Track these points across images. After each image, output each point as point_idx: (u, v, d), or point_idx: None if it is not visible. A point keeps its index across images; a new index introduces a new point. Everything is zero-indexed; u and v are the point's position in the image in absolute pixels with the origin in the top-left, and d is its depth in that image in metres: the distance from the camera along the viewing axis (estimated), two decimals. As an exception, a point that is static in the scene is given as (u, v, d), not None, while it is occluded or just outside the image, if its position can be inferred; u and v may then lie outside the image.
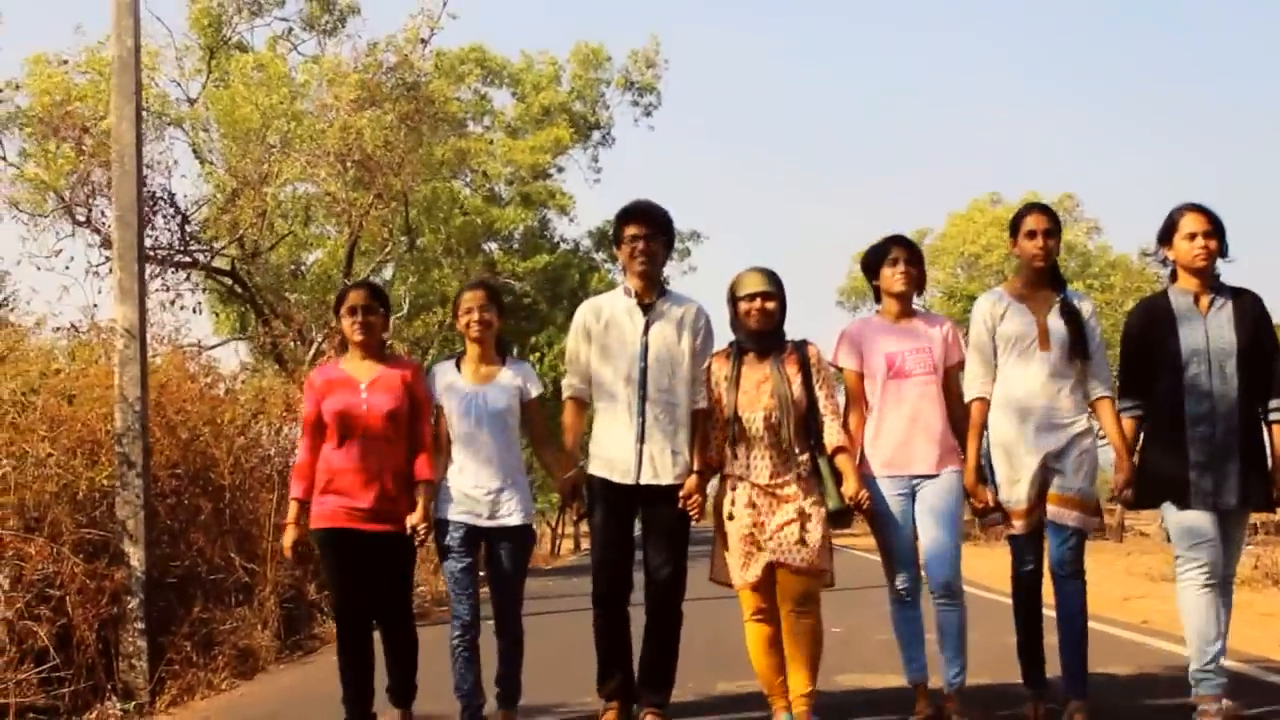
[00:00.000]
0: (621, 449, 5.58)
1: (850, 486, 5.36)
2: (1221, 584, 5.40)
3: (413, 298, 20.48)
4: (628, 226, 5.71)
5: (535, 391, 5.91)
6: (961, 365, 5.72)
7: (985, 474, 5.59)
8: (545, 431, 6.11)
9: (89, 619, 7.15)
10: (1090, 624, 5.63)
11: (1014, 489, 5.49)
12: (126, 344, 7.74)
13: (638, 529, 5.70)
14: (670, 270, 30.39)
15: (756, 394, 5.41)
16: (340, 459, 5.57)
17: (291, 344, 16.84)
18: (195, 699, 7.54)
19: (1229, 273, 5.63)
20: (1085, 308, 5.64)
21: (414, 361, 6.14)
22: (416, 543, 5.62)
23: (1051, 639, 5.60)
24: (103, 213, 15.76)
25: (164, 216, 16.62)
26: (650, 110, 30.60)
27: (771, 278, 5.54)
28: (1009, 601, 5.78)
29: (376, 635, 5.73)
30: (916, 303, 5.91)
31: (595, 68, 29.86)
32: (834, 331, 5.89)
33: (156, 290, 15.21)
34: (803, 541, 5.26)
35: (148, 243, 11.91)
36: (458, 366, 5.87)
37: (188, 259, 17.59)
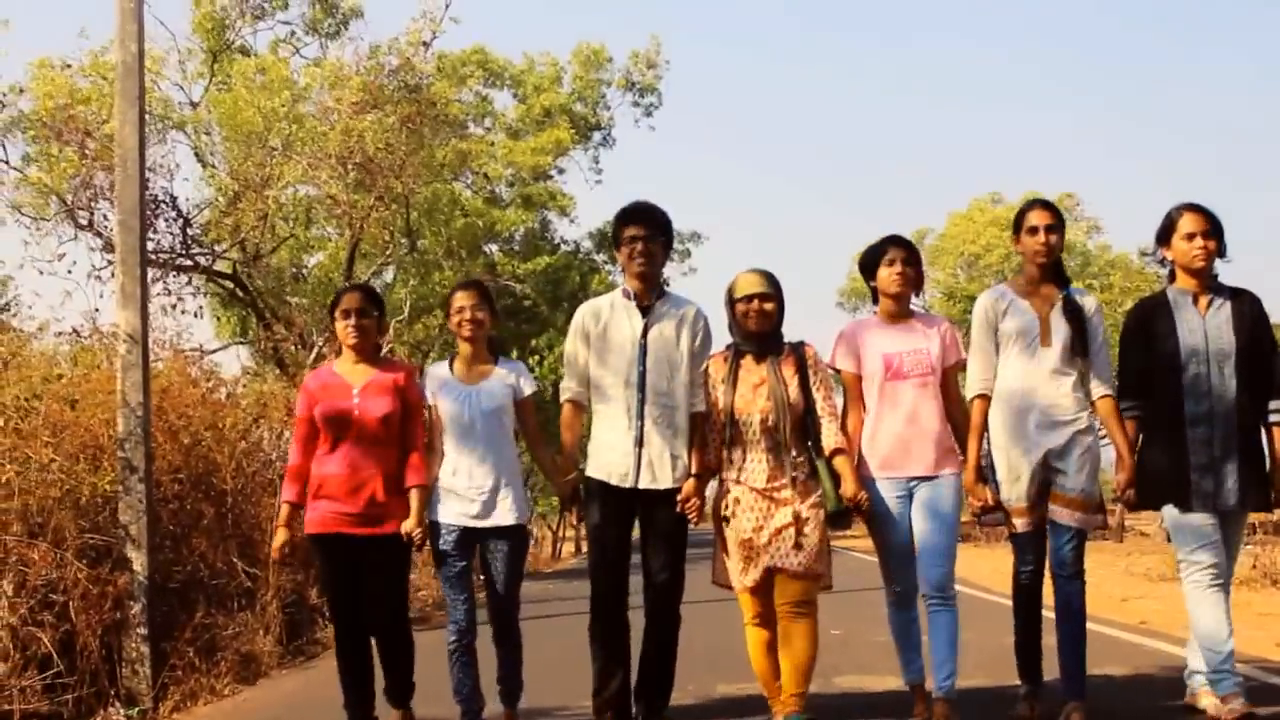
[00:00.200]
0: (620, 452, 5.57)
1: (848, 488, 5.36)
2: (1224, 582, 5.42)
3: (414, 300, 20.47)
4: (627, 228, 5.71)
5: (529, 390, 5.92)
6: (960, 366, 5.72)
7: (986, 473, 5.59)
8: (540, 431, 6.12)
9: (92, 625, 7.17)
10: (1088, 625, 5.64)
11: (1014, 487, 5.49)
12: (129, 349, 7.77)
13: (635, 532, 5.69)
14: (670, 271, 30.39)
15: (753, 396, 5.42)
16: (332, 463, 5.57)
17: (293, 348, 16.84)
18: (198, 705, 7.55)
19: (1227, 273, 5.65)
20: (1088, 304, 5.63)
21: (407, 364, 6.14)
22: (413, 547, 5.63)
23: (1049, 640, 5.60)
24: (105, 216, 15.79)
25: (166, 220, 16.65)
26: (651, 111, 30.59)
27: (769, 279, 5.56)
28: (1007, 602, 5.80)
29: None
30: (915, 303, 5.90)
31: (596, 68, 29.85)
32: (834, 333, 5.90)
33: (158, 294, 15.23)
34: (799, 546, 5.27)
35: (149, 246, 11.92)
36: (450, 367, 5.88)
37: (189, 262, 17.61)
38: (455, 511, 5.68)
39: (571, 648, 5.61)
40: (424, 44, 19.40)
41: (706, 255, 46.85)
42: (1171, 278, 5.60)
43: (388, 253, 20.74)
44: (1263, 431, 5.44)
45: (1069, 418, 5.47)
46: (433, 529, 5.70)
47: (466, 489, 5.67)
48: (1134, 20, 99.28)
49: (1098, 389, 5.54)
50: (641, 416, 5.56)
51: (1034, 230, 5.58)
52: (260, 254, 19.14)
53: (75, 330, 11.45)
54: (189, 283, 17.35)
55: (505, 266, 26.42)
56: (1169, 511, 5.40)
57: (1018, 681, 5.75)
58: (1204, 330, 5.36)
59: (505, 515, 5.70)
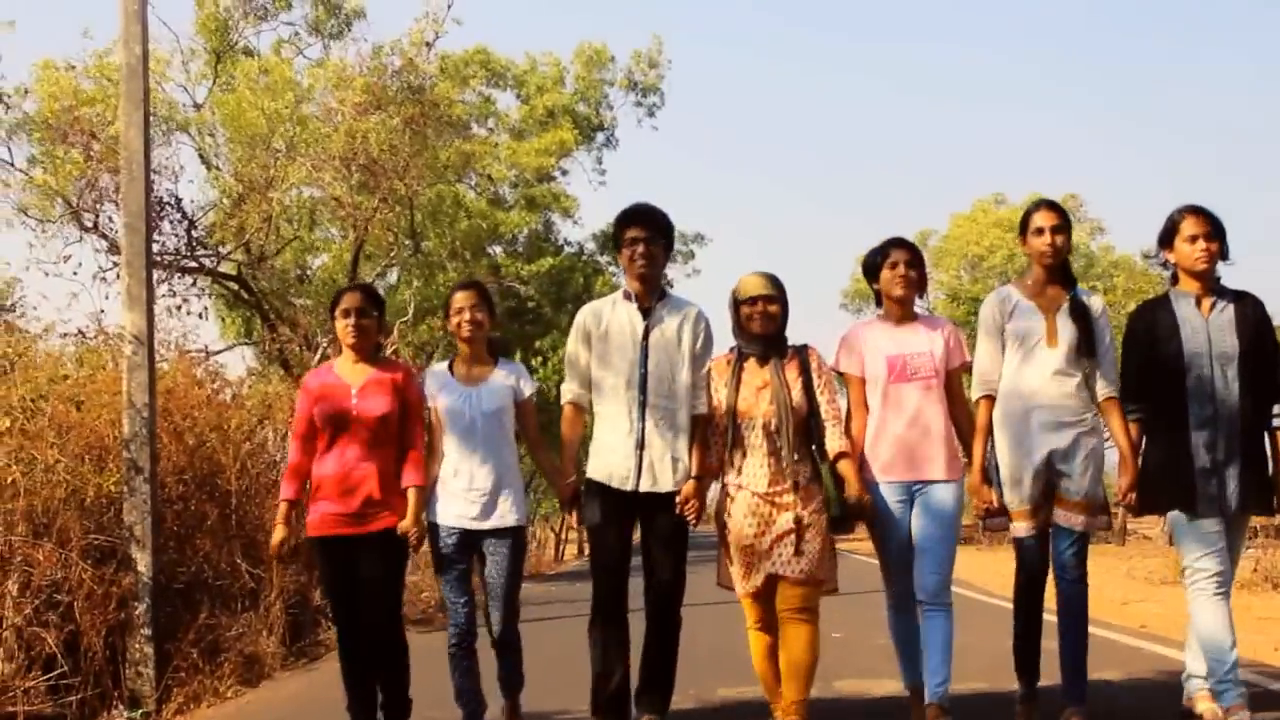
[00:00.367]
0: (621, 455, 5.56)
1: (852, 492, 5.34)
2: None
3: (418, 302, 20.48)
4: (627, 229, 5.71)
5: (529, 391, 5.93)
6: (964, 368, 5.70)
7: (991, 475, 5.57)
8: (541, 433, 6.12)
9: (96, 625, 7.21)
10: (1089, 628, 5.63)
11: (1018, 489, 5.47)
12: (135, 351, 7.81)
13: (636, 534, 5.70)
14: (674, 272, 30.42)
15: (756, 399, 5.40)
16: (329, 463, 5.57)
17: (297, 349, 16.87)
18: (201, 706, 7.59)
19: (1230, 276, 5.64)
20: (1095, 305, 5.61)
21: (405, 365, 6.14)
22: (410, 548, 5.64)
23: (1049, 643, 5.59)
24: (110, 218, 15.83)
25: (171, 222, 16.68)
26: (654, 111, 30.61)
27: (774, 282, 5.54)
28: (1007, 605, 5.79)
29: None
30: (918, 305, 5.88)
31: (598, 68, 29.86)
32: (837, 335, 5.87)
33: (163, 296, 15.27)
34: (800, 553, 5.25)
35: (154, 248, 11.97)
36: (451, 368, 5.89)
37: (194, 264, 17.64)
38: (455, 513, 5.68)
39: (572, 650, 5.62)
40: (427, 44, 19.42)
41: (710, 257, 46.77)
42: (1174, 280, 5.59)
43: (392, 254, 20.77)
44: (1265, 435, 5.42)
45: (1074, 419, 5.45)
46: (432, 531, 5.71)
47: (466, 490, 5.67)
48: (1137, 20, 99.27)
49: (1103, 390, 5.52)
50: (643, 419, 5.55)
51: (1040, 231, 5.57)
52: (265, 256, 19.17)
53: (81, 332, 11.50)
54: (194, 284, 17.40)
55: (509, 268, 26.44)
56: (1175, 517, 5.38)
57: (1016, 685, 5.75)
58: (1207, 333, 5.34)
59: (505, 517, 5.71)
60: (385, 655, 5.64)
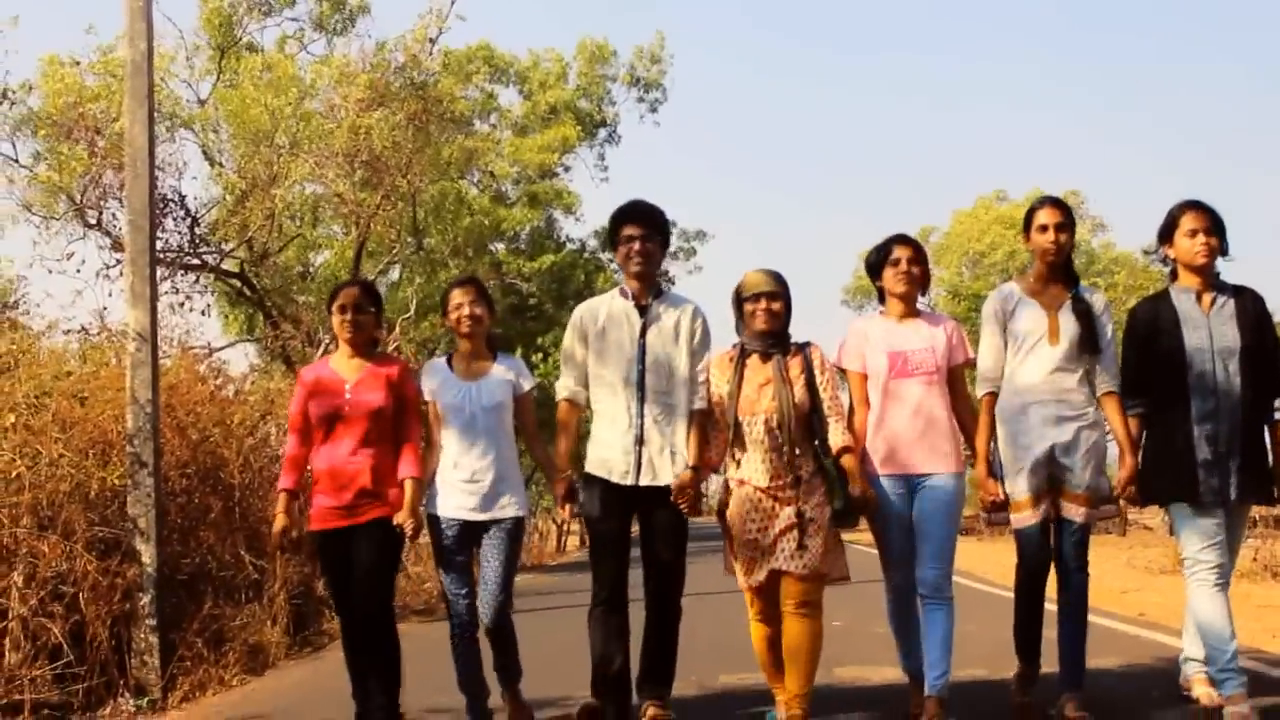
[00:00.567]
0: (620, 451, 5.58)
1: (855, 487, 5.36)
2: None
3: (420, 298, 20.54)
4: (624, 227, 5.73)
5: (527, 386, 5.95)
6: (967, 365, 5.71)
7: (995, 470, 5.58)
8: (536, 427, 6.14)
9: (102, 616, 7.26)
10: (1088, 616, 5.65)
11: (1019, 479, 5.47)
12: (138, 347, 7.85)
13: (635, 527, 5.71)
14: (676, 269, 30.53)
15: (758, 396, 5.41)
16: (325, 458, 5.61)
17: (300, 346, 16.94)
18: (207, 695, 7.64)
19: (1231, 272, 5.66)
20: (1097, 302, 5.62)
21: (401, 359, 6.17)
22: (406, 538, 5.66)
23: (1049, 632, 5.63)
24: (114, 215, 15.91)
25: (174, 219, 16.74)
26: (656, 106, 30.68)
27: (778, 278, 5.55)
28: (1008, 595, 5.82)
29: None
30: (921, 302, 5.88)
31: (601, 63, 29.92)
32: (840, 331, 5.86)
33: (166, 293, 15.34)
34: (803, 547, 5.26)
35: (158, 245, 12.04)
36: (450, 363, 5.91)
37: (197, 261, 17.71)
38: (455, 505, 5.71)
39: (574, 639, 5.67)
40: (430, 41, 19.49)
41: (712, 253, 46.72)
42: (1174, 276, 5.61)
43: (394, 251, 20.81)
44: (1265, 428, 5.44)
45: (1076, 413, 5.47)
46: (433, 523, 5.74)
47: (466, 483, 5.70)
48: (1141, 18, 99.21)
49: (1103, 384, 5.54)
50: (641, 414, 5.57)
51: (1044, 228, 5.57)
52: (267, 252, 19.23)
53: (84, 328, 11.57)
54: (196, 281, 17.47)
55: (511, 265, 26.50)
56: (1176, 509, 5.40)
57: (1015, 673, 5.77)
58: (1208, 327, 5.37)
59: (505, 509, 5.73)
60: (376, 644, 5.64)
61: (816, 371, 5.49)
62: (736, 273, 5.65)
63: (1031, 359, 5.54)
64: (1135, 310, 5.75)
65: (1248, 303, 5.46)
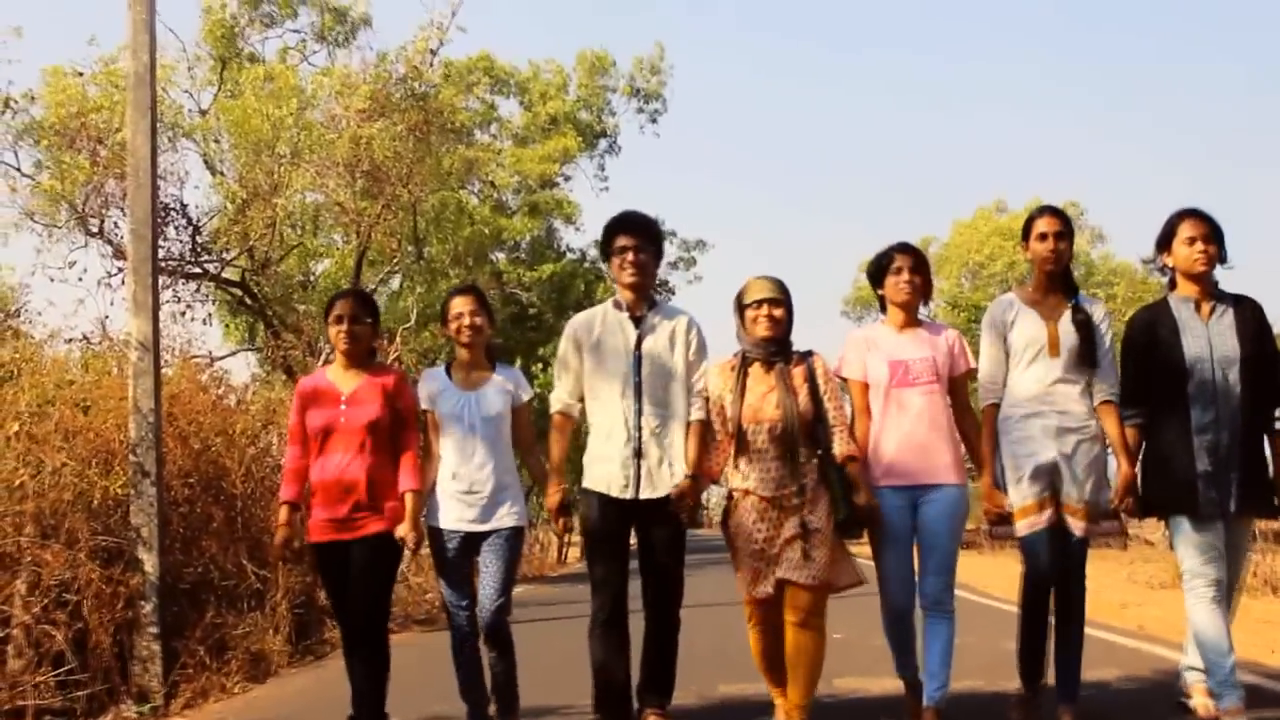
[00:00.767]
0: (618, 464, 5.56)
1: (861, 497, 5.34)
2: (1233, 592, 5.45)
3: (421, 308, 20.57)
4: (617, 237, 5.72)
5: (525, 397, 5.93)
6: (969, 374, 5.70)
7: (999, 481, 5.56)
8: (533, 438, 6.12)
9: (104, 623, 7.28)
10: (1086, 629, 5.66)
11: (1022, 485, 5.45)
12: (140, 356, 7.88)
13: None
14: (676, 279, 30.59)
15: (761, 404, 5.39)
16: (321, 471, 5.60)
17: (300, 355, 16.96)
18: (209, 702, 7.66)
19: (1233, 278, 5.64)
20: (1097, 312, 5.62)
21: (397, 370, 6.16)
22: (408, 551, 5.67)
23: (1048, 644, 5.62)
24: (115, 224, 15.96)
25: (176, 227, 16.78)
26: (656, 117, 30.78)
27: (779, 285, 5.53)
28: (1008, 608, 5.82)
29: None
30: (922, 312, 5.86)
31: (601, 74, 30.01)
32: (839, 342, 5.84)
33: (167, 301, 15.37)
34: (809, 558, 5.26)
35: (159, 254, 12.09)
36: (448, 373, 5.91)
37: (198, 270, 17.74)
38: (455, 517, 5.70)
39: (575, 649, 5.68)
40: (431, 52, 19.55)
41: (712, 263, 46.68)
42: (1172, 285, 5.60)
43: (395, 260, 20.86)
44: (1266, 438, 5.43)
45: (1077, 425, 5.47)
46: (434, 535, 5.73)
47: (466, 494, 5.69)
48: (1143, 26, 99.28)
49: (1100, 393, 5.52)
50: (639, 427, 5.55)
51: (1043, 237, 5.57)
52: (268, 261, 19.25)
53: (86, 337, 11.61)
54: (198, 290, 17.51)
55: (511, 274, 26.54)
56: (1176, 522, 5.39)
57: (1014, 686, 5.74)
58: (1208, 337, 5.36)
59: (504, 519, 5.72)
60: (365, 653, 5.63)
61: (820, 380, 5.48)
62: (737, 283, 5.66)
63: (1032, 370, 5.53)
64: (1134, 319, 5.73)
65: (1247, 312, 5.44)
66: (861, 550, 5.53)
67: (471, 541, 5.71)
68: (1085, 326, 5.51)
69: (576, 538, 40.17)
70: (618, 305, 5.76)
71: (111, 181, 15.48)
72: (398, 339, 17.50)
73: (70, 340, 11.26)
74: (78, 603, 7.19)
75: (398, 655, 5.84)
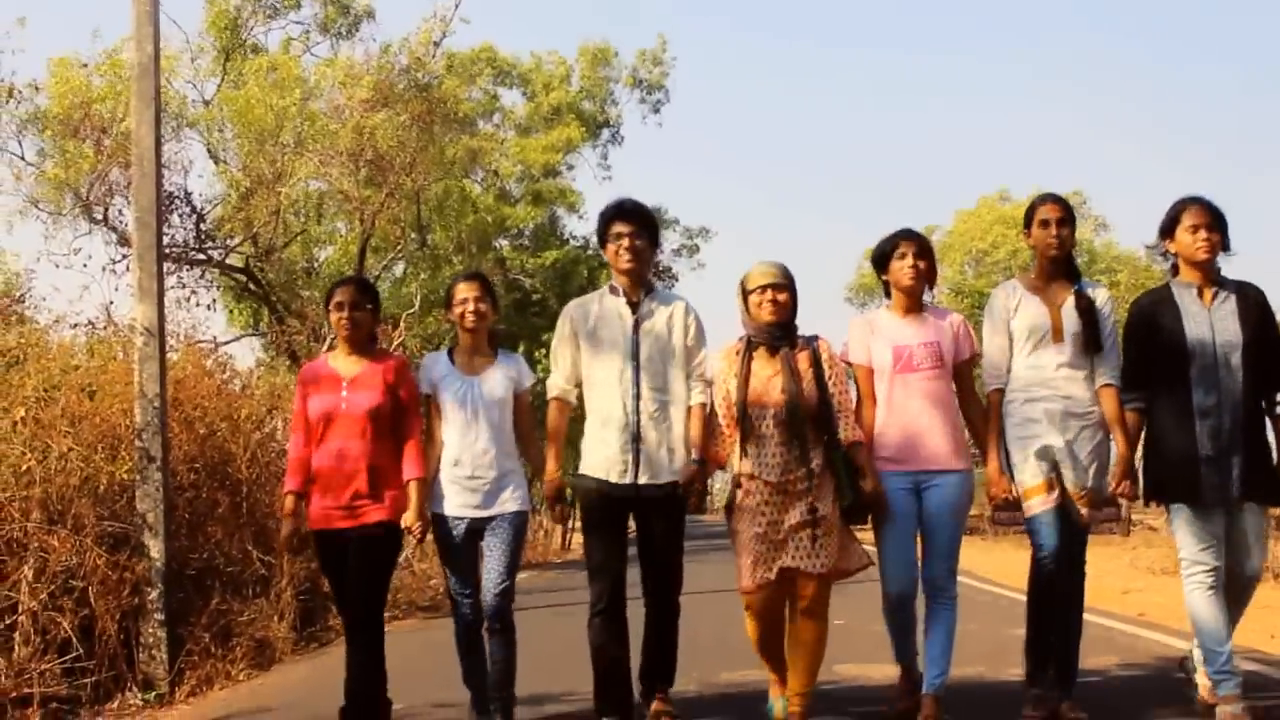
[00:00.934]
0: (616, 449, 5.55)
1: (867, 482, 5.35)
2: (1246, 582, 5.44)
3: (424, 294, 20.62)
4: (613, 224, 5.69)
5: (527, 383, 5.94)
6: (973, 359, 5.70)
7: (1004, 467, 5.55)
8: (531, 425, 6.09)
9: (110, 610, 7.31)
10: (1086, 616, 5.68)
11: (1028, 466, 5.44)
12: (146, 342, 7.91)
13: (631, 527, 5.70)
14: (680, 266, 30.62)
15: (766, 389, 5.36)
16: (322, 457, 5.60)
17: (304, 341, 17.01)
18: (214, 689, 7.70)
19: (1237, 266, 5.64)
20: (1100, 297, 5.62)
21: (398, 356, 6.14)
22: (414, 540, 5.68)
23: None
24: (120, 211, 16.03)
25: (180, 215, 16.85)
26: (658, 107, 30.80)
27: (783, 270, 5.51)
28: (1011, 595, 5.82)
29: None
30: (926, 298, 5.83)
31: (603, 65, 30.03)
32: (843, 330, 5.82)
33: (172, 288, 15.44)
34: (817, 545, 5.24)
35: (164, 241, 12.12)
36: (450, 358, 5.90)
37: (203, 257, 17.79)
38: (458, 503, 5.70)
39: (578, 635, 5.69)
40: (434, 43, 19.57)
41: (715, 250, 46.61)
42: (1175, 271, 5.60)
43: (399, 247, 20.91)
44: (1268, 423, 5.43)
45: (1082, 411, 5.48)
46: (437, 522, 5.73)
47: (469, 480, 5.68)
48: (1143, 16, 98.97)
49: (1102, 376, 5.50)
50: (637, 412, 5.54)
51: (1045, 224, 5.57)
52: (272, 248, 19.30)
53: (91, 323, 11.65)
54: (202, 276, 17.55)
55: (515, 261, 26.58)
56: (1176, 509, 5.39)
57: (1015, 673, 5.74)
58: (1210, 323, 5.35)
59: (508, 504, 5.72)
60: (361, 644, 5.62)
61: (824, 365, 5.45)
62: (740, 270, 5.65)
63: (1036, 356, 5.54)
64: (1136, 304, 5.72)
65: (1250, 298, 5.44)
66: (865, 536, 5.54)
67: (475, 528, 5.71)
68: (1089, 312, 5.51)
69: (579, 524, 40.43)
70: (614, 291, 5.76)
71: (116, 170, 15.52)
72: (401, 325, 17.54)
73: (76, 326, 11.29)
74: (84, 589, 7.22)
75: (402, 642, 5.87)
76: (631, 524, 5.70)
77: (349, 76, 18.09)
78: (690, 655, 6.08)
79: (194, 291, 16.74)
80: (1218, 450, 5.28)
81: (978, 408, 5.71)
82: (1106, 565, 14.73)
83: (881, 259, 5.76)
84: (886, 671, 6.64)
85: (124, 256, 15.24)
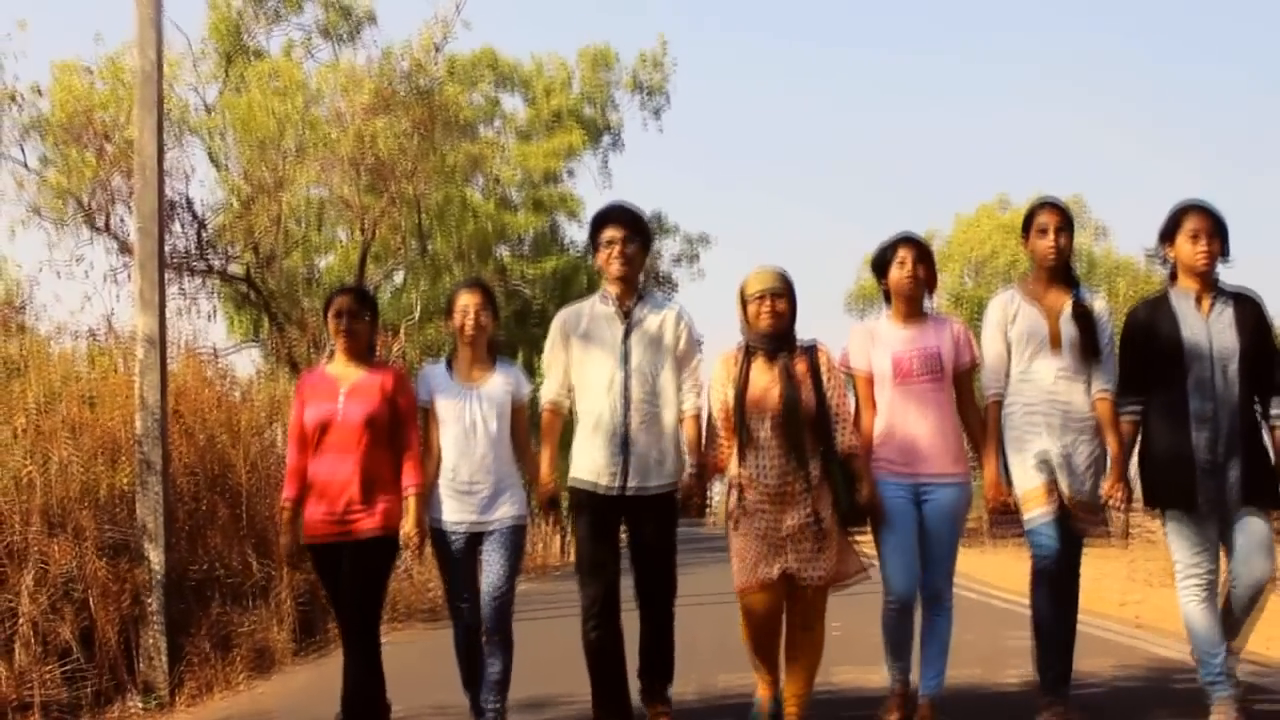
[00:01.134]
0: (606, 456, 5.53)
1: (864, 490, 5.34)
2: (1255, 589, 5.32)
3: (424, 302, 20.64)
4: (604, 229, 5.66)
5: (526, 393, 5.93)
6: (973, 367, 5.67)
7: (1003, 475, 5.53)
8: (528, 436, 6.09)
9: (110, 617, 7.35)
10: (1082, 623, 5.68)
11: (1027, 472, 5.42)
12: (147, 352, 7.94)
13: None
14: (679, 273, 30.62)
15: (764, 396, 5.34)
16: (317, 467, 5.59)
17: (305, 350, 17.01)
18: (214, 696, 7.73)
19: (1237, 272, 5.62)
20: (1098, 305, 5.59)
21: (396, 367, 6.13)
22: (411, 551, 5.68)
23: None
24: (121, 219, 16.02)
25: (181, 223, 16.84)
26: (659, 112, 30.82)
27: (782, 277, 5.48)
28: (1010, 603, 5.81)
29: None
30: (926, 305, 5.79)
31: (604, 69, 30.07)
32: (842, 337, 5.82)
33: (173, 296, 15.43)
34: (818, 552, 5.24)
35: (165, 249, 12.13)
36: (449, 368, 5.88)
37: (204, 265, 17.80)
38: (456, 512, 5.69)
39: (575, 642, 5.71)
40: (435, 48, 19.57)
41: (716, 259, 46.52)
42: (1173, 277, 5.55)
43: (399, 255, 20.91)
44: (1265, 432, 5.39)
45: (1079, 418, 5.46)
46: (435, 532, 5.73)
47: (467, 490, 5.68)
48: (1143, 22, 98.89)
49: (1097, 385, 5.48)
50: (626, 419, 5.52)
51: (1043, 231, 5.55)
52: (273, 257, 19.28)
53: (92, 332, 11.66)
54: (203, 285, 17.56)
55: (515, 269, 26.60)
56: (1172, 516, 5.36)
57: (1012, 679, 5.75)
58: (1207, 331, 5.31)
59: (506, 514, 5.72)
60: (357, 652, 5.60)
61: (823, 373, 5.43)
62: (741, 277, 5.59)
63: (1034, 365, 5.52)
64: (1133, 312, 5.67)
65: (1247, 307, 5.41)
66: (865, 543, 5.53)
67: (473, 537, 5.71)
68: (1086, 320, 5.48)
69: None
70: (604, 298, 5.73)
71: (118, 177, 15.52)
72: (401, 334, 17.55)
73: (77, 335, 11.31)
74: (84, 597, 7.27)
75: (401, 649, 5.88)
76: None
77: (350, 82, 18.08)
78: (688, 660, 6.08)
79: (194, 300, 16.77)
80: (1214, 458, 5.25)
81: (976, 416, 5.69)
82: (1104, 575, 14.71)
83: (881, 265, 5.72)
84: (884, 677, 6.64)
85: (125, 265, 15.27)
